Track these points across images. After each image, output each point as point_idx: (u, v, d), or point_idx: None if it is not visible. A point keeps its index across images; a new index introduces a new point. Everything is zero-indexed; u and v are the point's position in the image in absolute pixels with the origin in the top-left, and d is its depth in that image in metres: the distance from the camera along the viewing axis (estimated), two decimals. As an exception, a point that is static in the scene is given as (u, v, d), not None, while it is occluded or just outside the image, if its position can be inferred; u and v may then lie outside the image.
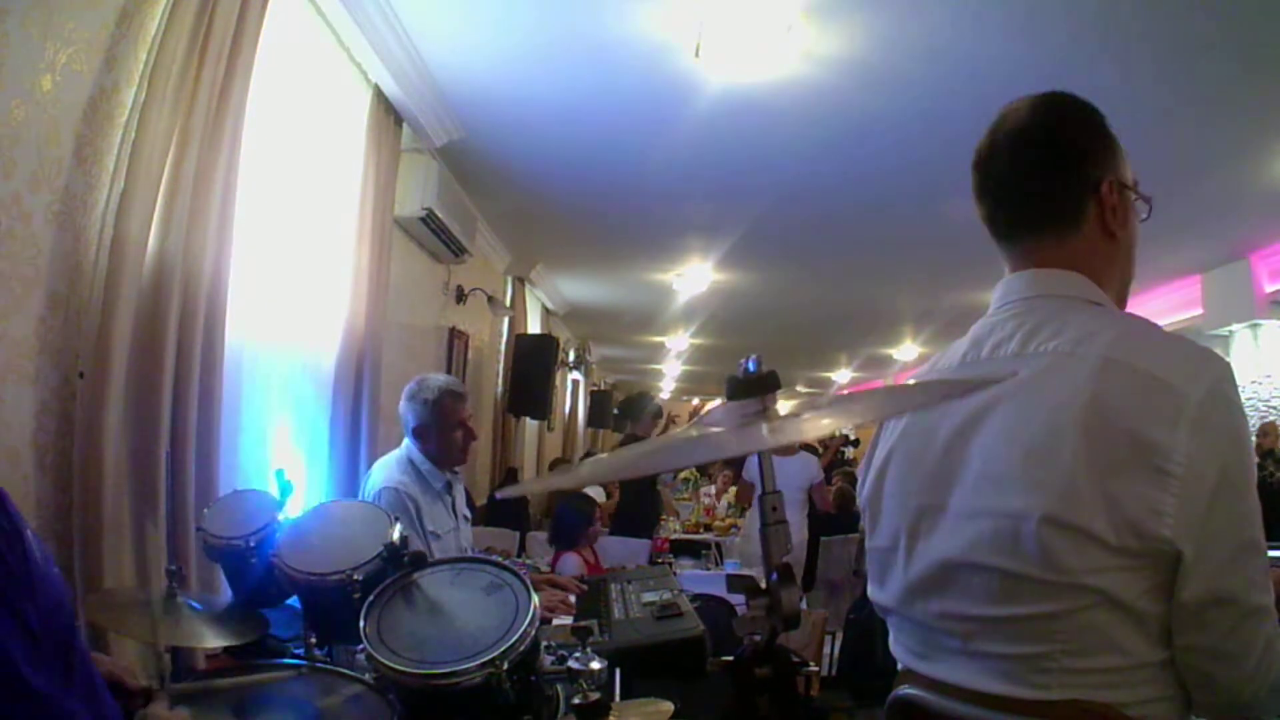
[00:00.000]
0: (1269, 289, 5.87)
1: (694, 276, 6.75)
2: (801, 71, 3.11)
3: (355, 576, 1.39)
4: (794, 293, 7.58)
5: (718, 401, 0.89)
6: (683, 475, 9.39)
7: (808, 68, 3.08)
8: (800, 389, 16.24)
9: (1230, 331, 6.54)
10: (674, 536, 6.49)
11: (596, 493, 5.48)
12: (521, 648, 1.20)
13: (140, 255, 1.78)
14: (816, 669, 3.81)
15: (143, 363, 1.81)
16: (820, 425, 0.81)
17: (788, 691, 0.78)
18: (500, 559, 1.50)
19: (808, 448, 6.63)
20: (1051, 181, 1.07)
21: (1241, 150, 3.88)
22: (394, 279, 3.54)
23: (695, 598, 2.49)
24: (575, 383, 11.18)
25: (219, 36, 1.96)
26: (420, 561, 1.38)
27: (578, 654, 1.44)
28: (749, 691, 0.78)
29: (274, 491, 1.63)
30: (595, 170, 4.42)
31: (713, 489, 8.94)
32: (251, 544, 1.52)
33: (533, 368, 6.58)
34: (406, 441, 2.58)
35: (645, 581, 2.48)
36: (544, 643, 1.49)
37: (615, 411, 13.27)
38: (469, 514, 2.78)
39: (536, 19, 2.90)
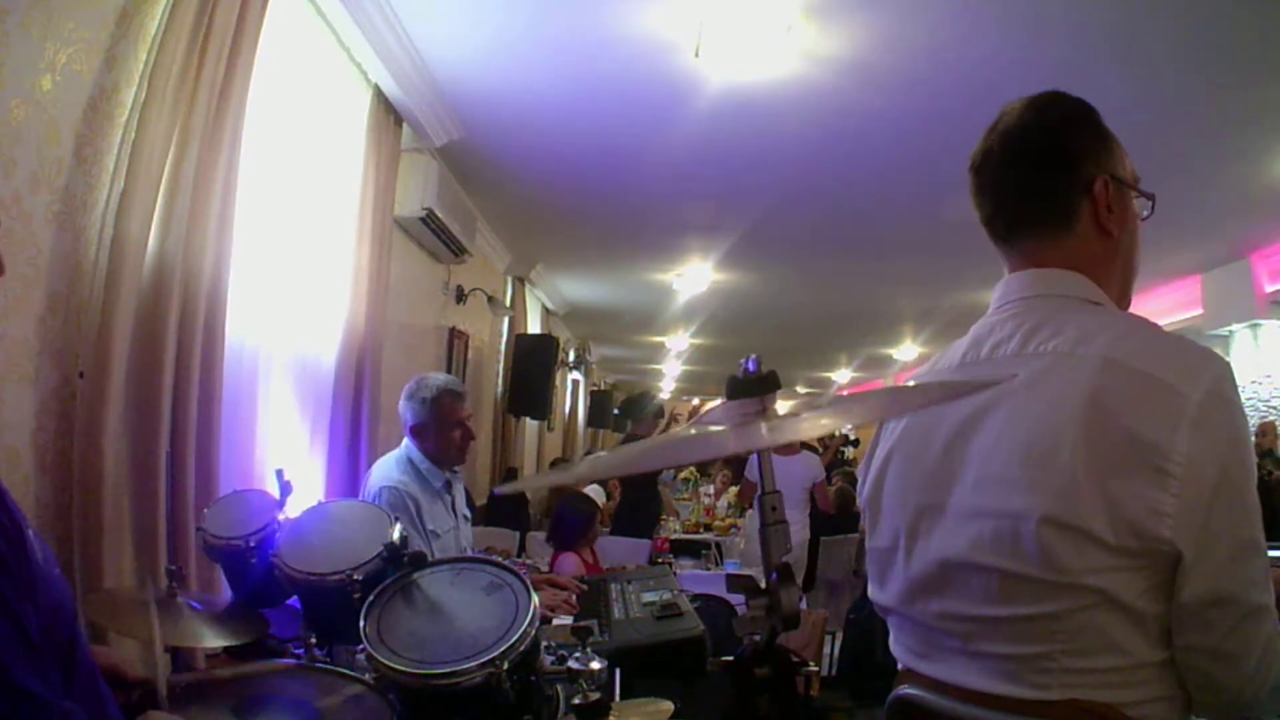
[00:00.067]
0: (1269, 289, 5.87)
1: (694, 276, 6.75)
2: (801, 71, 3.11)
3: (355, 576, 1.39)
4: (794, 293, 7.58)
5: (718, 401, 0.89)
6: (683, 475, 9.40)
7: (808, 67, 3.08)
8: (800, 389, 16.23)
9: (1230, 331, 6.54)
10: (674, 536, 6.49)
11: (597, 494, 5.48)
12: (521, 648, 1.20)
13: (140, 255, 1.78)
14: (816, 669, 3.81)
15: (143, 363, 1.81)
16: (819, 425, 0.81)
17: (788, 691, 0.78)
18: (500, 559, 1.50)
19: (808, 447, 6.63)
20: (1045, 181, 1.07)
21: (1242, 150, 3.87)
22: (394, 279, 3.54)
23: (695, 598, 2.49)
24: (575, 383, 11.18)
25: (219, 36, 1.96)
26: (420, 561, 1.39)
27: (578, 654, 1.44)
28: (749, 691, 0.78)
29: (274, 491, 1.63)
30: (595, 170, 4.42)
31: (712, 489, 8.94)
32: (251, 544, 1.52)
33: (533, 368, 6.58)
34: (406, 441, 2.58)
35: (645, 581, 2.48)
36: (544, 643, 1.49)
37: (616, 411, 13.27)
38: (469, 514, 2.79)
39: (537, 19, 2.90)
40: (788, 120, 3.55)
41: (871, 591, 1.18)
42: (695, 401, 18.96)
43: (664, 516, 6.84)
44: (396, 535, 1.48)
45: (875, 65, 3.06)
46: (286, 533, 1.54)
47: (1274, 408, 6.41)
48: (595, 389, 13.74)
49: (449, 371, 4.81)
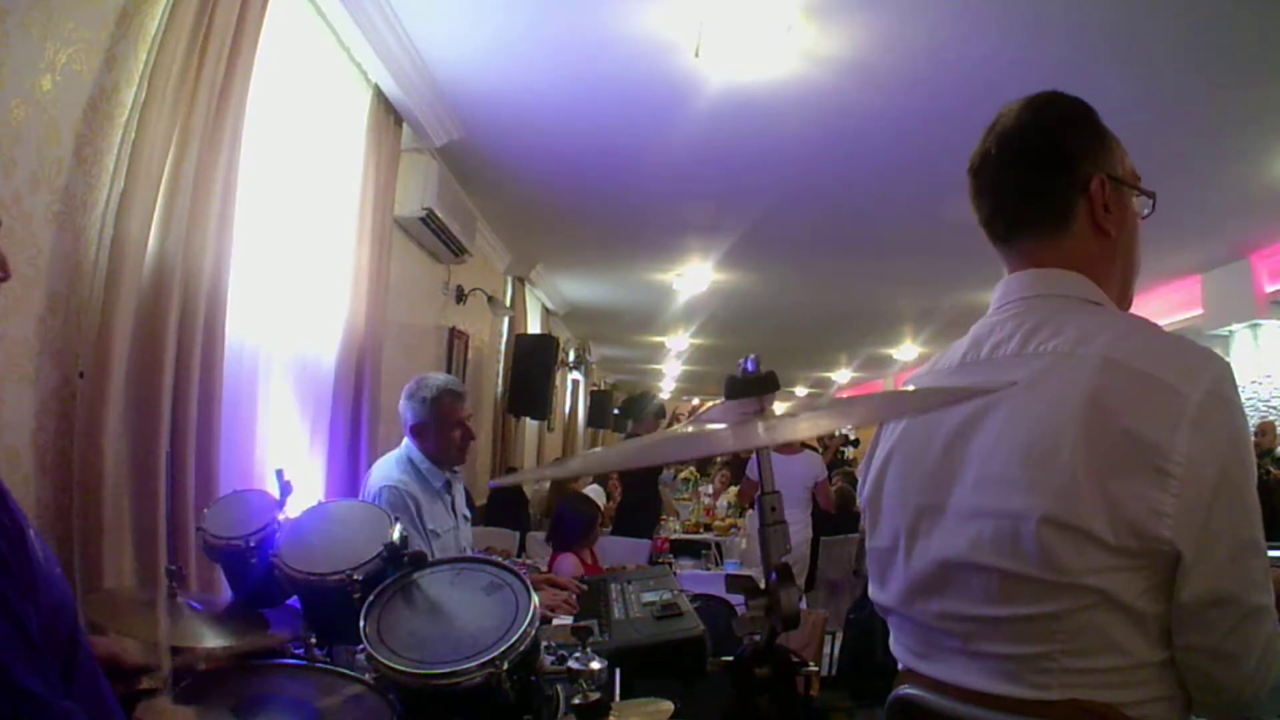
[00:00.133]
0: (1269, 289, 5.87)
1: (694, 276, 6.75)
2: (801, 71, 3.11)
3: (355, 576, 1.39)
4: (794, 293, 7.58)
5: (716, 401, 0.89)
6: (682, 475, 9.39)
7: (808, 67, 3.08)
8: (800, 389, 16.23)
9: (1230, 331, 6.54)
10: (674, 536, 6.48)
11: (597, 494, 5.48)
12: (521, 648, 1.20)
13: (140, 255, 1.78)
14: (816, 669, 3.81)
15: (143, 363, 1.81)
16: (817, 425, 0.81)
17: (788, 691, 0.78)
18: (500, 559, 1.50)
19: (809, 446, 6.63)
20: (1043, 181, 1.07)
21: (1242, 150, 3.88)
22: (394, 279, 3.55)
23: (695, 598, 2.49)
24: (575, 383, 11.18)
25: (219, 36, 1.96)
26: (420, 561, 1.38)
27: (578, 654, 1.43)
28: (749, 691, 0.78)
29: (274, 491, 1.63)
30: (595, 170, 4.42)
31: (712, 489, 8.94)
32: (251, 544, 1.52)
33: (533, 368, 6.58)
34: (406, 440, 2.58)
35: (645, 581, 2.48)
36: (544, 643, 1.49)
37: (616, 411, 13.27)
38: (469, 514, 2.79)
39: (537, 19, 2.90)
40: (788, 120, 3.55)
41: (871, 591, 1.18)
42: (695, 401, 18.96)
43: (664, 516, 6.84)
44: (396, 535, 1.47)
45: (875, 65, 3.06)
46: (286, 533, 1.53)
47: (1274, 408, 6.41)
48: (595, 389, 13.74)
49: (449, 371, 4.81)
